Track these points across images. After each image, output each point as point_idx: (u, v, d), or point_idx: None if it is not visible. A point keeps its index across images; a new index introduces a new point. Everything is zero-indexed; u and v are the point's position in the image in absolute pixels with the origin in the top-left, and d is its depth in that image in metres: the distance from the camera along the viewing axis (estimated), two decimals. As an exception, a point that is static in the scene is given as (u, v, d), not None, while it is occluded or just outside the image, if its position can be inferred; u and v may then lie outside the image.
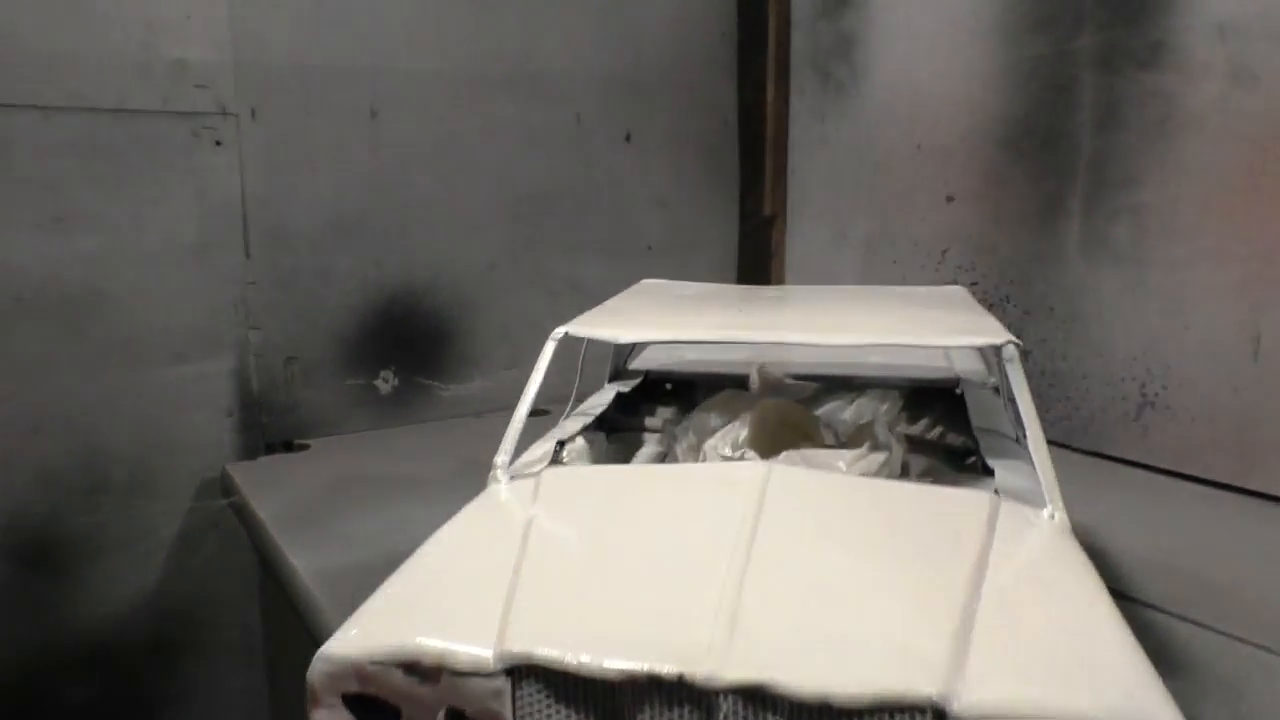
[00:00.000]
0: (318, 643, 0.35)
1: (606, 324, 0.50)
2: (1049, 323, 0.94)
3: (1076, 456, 0.89)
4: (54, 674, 0.88)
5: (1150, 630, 0.58)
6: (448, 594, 0.36)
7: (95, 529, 0.89)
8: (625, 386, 0.64)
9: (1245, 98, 0.77)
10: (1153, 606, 0.61)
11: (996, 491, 0.39)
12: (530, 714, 0.31)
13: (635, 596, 0.34)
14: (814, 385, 0.60)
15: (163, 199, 0.88)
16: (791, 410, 0.51)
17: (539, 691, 0.31)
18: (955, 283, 1.02)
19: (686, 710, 0.29)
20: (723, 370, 0.63)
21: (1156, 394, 0.85)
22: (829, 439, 0.51)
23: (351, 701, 0.33)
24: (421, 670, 0.32)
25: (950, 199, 1.02)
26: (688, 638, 0.31)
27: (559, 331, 0.50)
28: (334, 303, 0.99)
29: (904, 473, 0.47)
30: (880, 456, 0.45)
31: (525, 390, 0.50)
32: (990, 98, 0.97)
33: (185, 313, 0.91)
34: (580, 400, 0.61)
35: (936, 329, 0.46)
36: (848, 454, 0.45)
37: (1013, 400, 0.43)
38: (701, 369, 0.65)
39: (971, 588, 0.33)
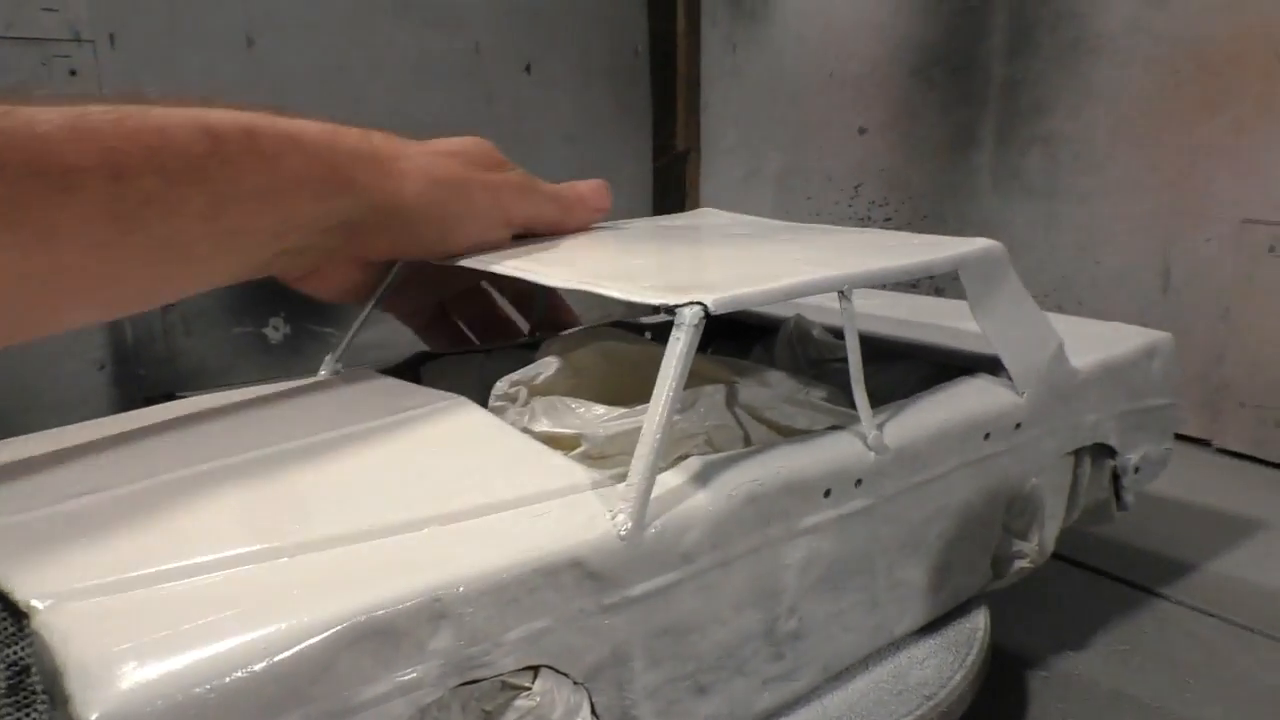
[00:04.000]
0: None
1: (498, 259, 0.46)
2: (961, 258, 0.91)
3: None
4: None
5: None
6: None
7: (-44, 492, 0.83)
8: (660, 318, 0.59)
9: (1155, 17, 0.74)
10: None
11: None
12: None
13: None
14: (840, 344, 0.52)
15: (12, 134, 0.81)
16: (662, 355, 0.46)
17: None
18: (868, 220, 0.99)
19: None
20: (777, 314, 0.54)
21: (1066, 330, 0.83)
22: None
23: None
24: None
25: (863, 130, 0.98)
26: None
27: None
28: (214, 246, 0.93)
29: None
30: (633, 422, 0.38)
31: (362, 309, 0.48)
32: (901, 22, 0.93)
33: (44, 258, 0.84)
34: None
35: (680, 280, 0.38)
36: (615, 410, 0.39)
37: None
38: (772, 312, 0.56)
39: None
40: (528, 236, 0.49)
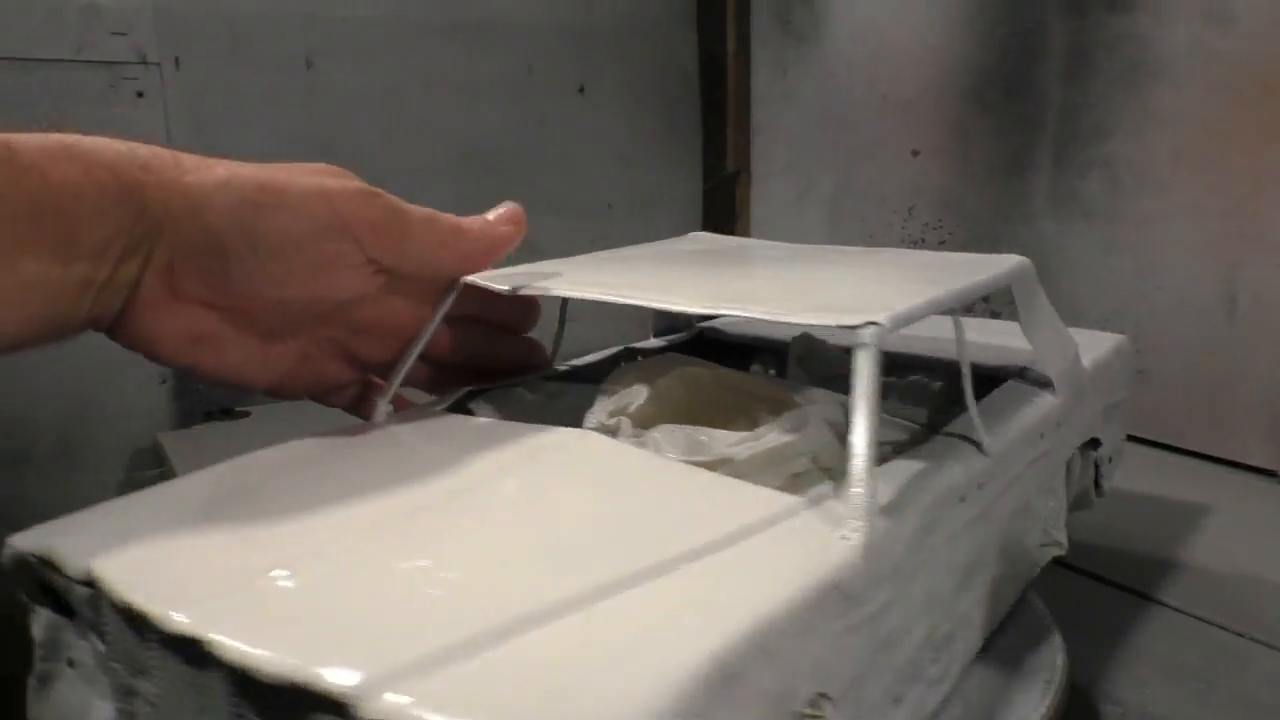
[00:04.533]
0: None
1: (508, 275, 0.45)
2: (1017, 282, 0.90)
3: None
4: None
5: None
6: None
7: (18, 501, 0.85)
8: (662, 340, 0.60)
9: (1218, 39, 0.73)
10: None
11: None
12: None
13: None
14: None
15: (80, 154, 0.83)
16: (735, 379, 0.46)
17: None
18: (922, 242, 0.98)
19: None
20: (780, 336, 0.56)
21: (1125, 356, 0.81)
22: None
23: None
24: None
25: (916, 153, 0.97)
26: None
27: (463, 280, 0.46)
28: (271, 264, 0.95)
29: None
30: (774, 440, 0.38)
31: (416, 337, 0.46)
32: (955, 45, 0.92)
33: (108, 275, 0.86)
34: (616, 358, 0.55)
35: (819, 302, 0.38)
36: (734, 435, 0.39)
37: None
38: (764, 332, 0.58)
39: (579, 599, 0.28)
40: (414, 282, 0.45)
